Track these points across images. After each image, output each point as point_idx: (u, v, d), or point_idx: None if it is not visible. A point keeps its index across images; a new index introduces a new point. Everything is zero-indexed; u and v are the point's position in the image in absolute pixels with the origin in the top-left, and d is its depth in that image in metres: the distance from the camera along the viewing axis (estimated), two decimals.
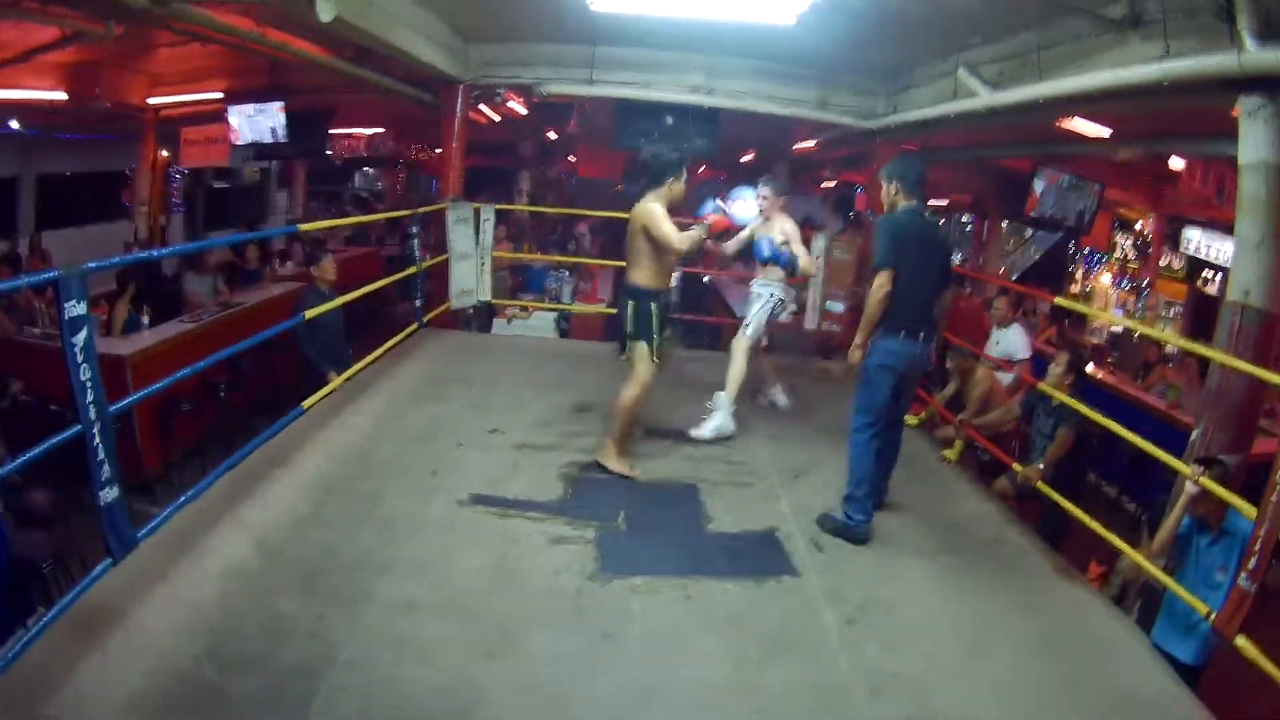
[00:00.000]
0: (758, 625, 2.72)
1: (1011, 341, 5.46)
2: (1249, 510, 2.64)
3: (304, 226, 6.15)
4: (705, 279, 9.83)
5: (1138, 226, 11.39)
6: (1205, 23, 3.25)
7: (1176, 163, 7.04)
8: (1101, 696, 2.54)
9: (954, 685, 2.51)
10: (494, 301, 6.96)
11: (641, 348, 3.75)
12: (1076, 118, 5.97)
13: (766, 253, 4.46)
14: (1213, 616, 2.70)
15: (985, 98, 4.88)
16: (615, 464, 3.78)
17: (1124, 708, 2.51)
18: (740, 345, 4.54)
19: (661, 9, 4.95)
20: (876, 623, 2.80)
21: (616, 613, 2.72)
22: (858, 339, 3.43)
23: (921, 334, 3.37)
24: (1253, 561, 2.56)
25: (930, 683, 2.51)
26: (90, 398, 2.44)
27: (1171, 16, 3.48)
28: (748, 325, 4.64)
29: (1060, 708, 2.47)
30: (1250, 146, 3.23)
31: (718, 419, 4.32)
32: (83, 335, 2.38)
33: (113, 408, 2.54)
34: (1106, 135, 6.37)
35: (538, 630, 2.58)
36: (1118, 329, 9.86)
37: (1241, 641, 2.53)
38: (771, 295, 4.64)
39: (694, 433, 4.29)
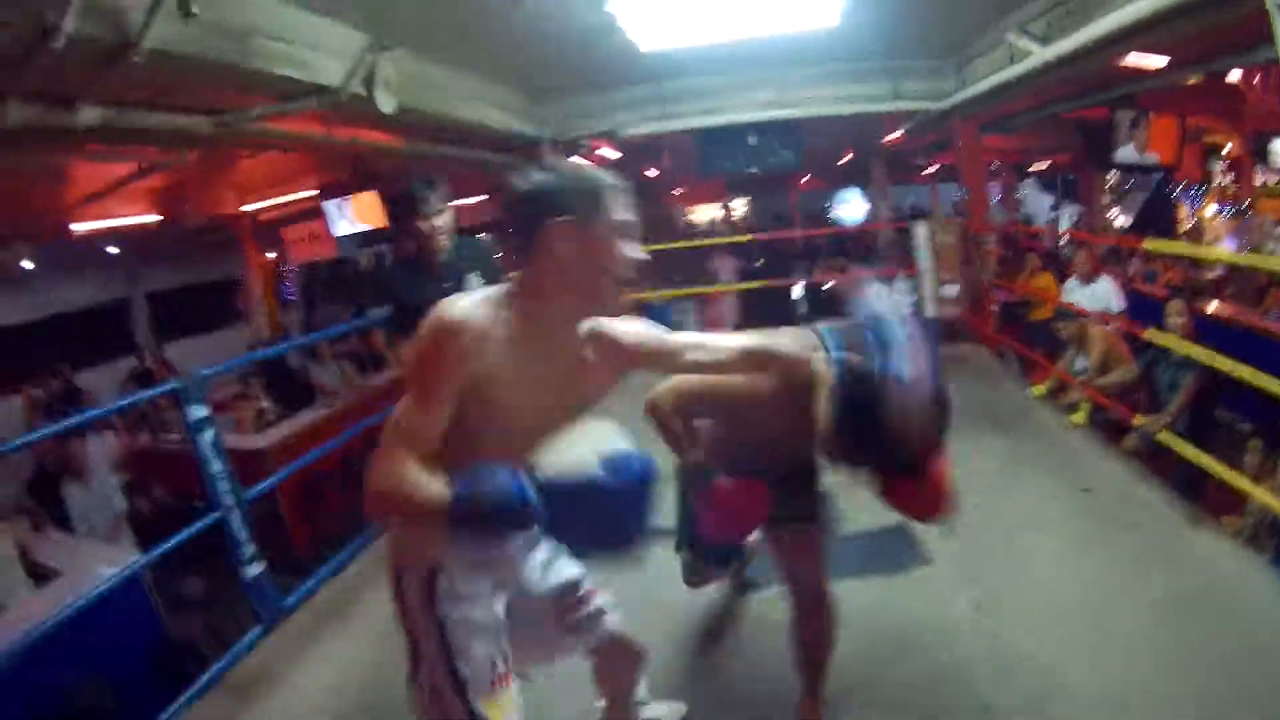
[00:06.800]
0: (889, 620, 2.70)
1: (1106, 294, 5.32)
2: None
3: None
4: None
5: (1227, 150, 10.74)
6: None
7: (1235, 77, 6.68)
8: (1234, 647, 2.38)
9: (1081, 659, 2.43)
10: None
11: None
12: (1133, 53, 5.76)
13: None
14: None
15: (1040, 53, 4.77)
16: None
17: (1257, 657, 2.34)
18: None
19: (705, 38, 4.89)
20: (1006, 604, 2.75)
21: (757, 622, 2.77)
22: None
23: None
24: None
25: (1057, 659, 2.44)
26: (226, 487, 2.79)
27: None
28: None
29: (1194, 666, 2.34)
30: None
31: None
32: (209, 434, 2.73)
33: (249, 493, 2.85)
34: (1164, 64, 6.12)
35: (678, 645, 2.68)
36: None
37: None
38: None
39: None
